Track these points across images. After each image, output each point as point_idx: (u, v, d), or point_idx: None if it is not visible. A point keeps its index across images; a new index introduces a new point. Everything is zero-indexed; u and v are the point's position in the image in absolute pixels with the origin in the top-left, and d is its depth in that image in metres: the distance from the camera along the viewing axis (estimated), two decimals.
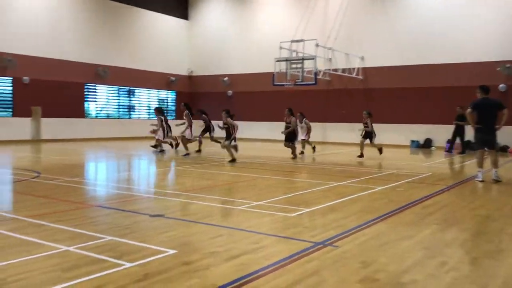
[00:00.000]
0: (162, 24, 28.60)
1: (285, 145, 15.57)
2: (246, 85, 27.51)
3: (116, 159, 15.54)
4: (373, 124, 15.61)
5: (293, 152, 15.24)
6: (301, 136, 16.56)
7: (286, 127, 15.43)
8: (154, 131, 16.70)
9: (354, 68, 23.52)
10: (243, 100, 27.45)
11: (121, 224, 5.85)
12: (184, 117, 16.23)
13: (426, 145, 21.99)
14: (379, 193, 8.54)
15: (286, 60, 19.99)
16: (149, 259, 4.38)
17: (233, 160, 13.47)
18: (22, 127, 21.83)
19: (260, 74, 25.92)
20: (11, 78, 21.65)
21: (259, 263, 4.35)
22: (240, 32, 28.09)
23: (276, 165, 13.21)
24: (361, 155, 15.39)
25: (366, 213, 6.68)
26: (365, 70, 23.70)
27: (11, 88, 21.81)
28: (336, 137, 24.20)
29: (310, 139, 17.05)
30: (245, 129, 26.75)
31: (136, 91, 27.81)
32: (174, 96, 29.80)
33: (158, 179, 11.16)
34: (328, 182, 9.70)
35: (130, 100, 27.67)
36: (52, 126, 22.74)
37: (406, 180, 10.26)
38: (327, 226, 5.85)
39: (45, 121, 22.56)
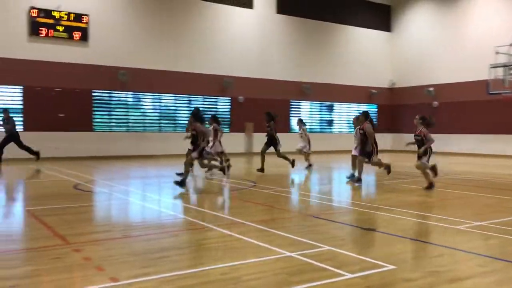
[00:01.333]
0: (365, 38, 28.74)
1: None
2: (454, 94, 25.66)
3: (319, 172, 16.06)
4: None
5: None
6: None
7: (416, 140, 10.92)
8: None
9: None
10: (450, 111, 25.65)
11: (337, 235, 6.03)
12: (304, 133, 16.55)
13: None
14: None
15: (504, 66, 18.04)
16: (369, 271, 4.41)
17: (222, 170, 12.11)
18: (237, 141, 24.30)
19: (471, 82, 23.91)
20: (229, 98, 24.37)
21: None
22: (447, 40, 26.40)
23: (490, 182, 11.94)
24: None
25: None
26: None
27: (229, 107, 24.54)
28: None
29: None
30: (452, 142, 25.11)
31: (335, 105, 28.43)
32: (375, 109, 29.50)
33: (363, 192, 11.16)
34: None
35: (330, 114, 28.41)
36: (262, 140, 24.70)
37: None
38: None
39: (256, 135, 24.68)
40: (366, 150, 11.18)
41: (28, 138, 17.79)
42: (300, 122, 16.80)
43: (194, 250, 5.20)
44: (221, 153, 14.65)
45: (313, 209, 8.40)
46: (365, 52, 28.63)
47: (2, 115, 16.36)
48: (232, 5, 24.34)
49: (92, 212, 7.90)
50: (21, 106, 19.41)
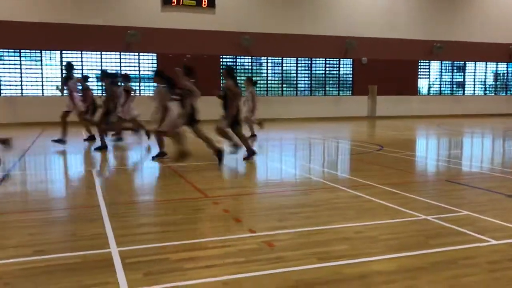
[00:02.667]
0: None
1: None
2: None
3: (448, 136, 15.10)
4: None
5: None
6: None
7: None
8: None
9: None
10: None
11: (476, 200, 5.69)
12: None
13: None
14: None
15: None
16: None
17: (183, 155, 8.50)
18: (360, 104, 23.73)
19: None
20: (351, 59, 23.72)
21: None
22: None
23: None
24: None
25: None
26: None
27: (351, 69, 23.93)
28: None
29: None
30: None
31: (468, 65, 26.15)
32: None
33: (502, 159, 10.28)
34: None
35: (462, 75, 26.28)
36: (386, 103, 23.84)
37: None
38: None
39: (379, 98, 23.85)
40: (230, 114, 8.77)
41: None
42: (249, 81, 13.17)
43: (326, 208, 5.28)
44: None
45: (447, 174, 7.97)
46: (503, 5, 25.70)
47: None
48: None
49: (227, 170, 8.37)
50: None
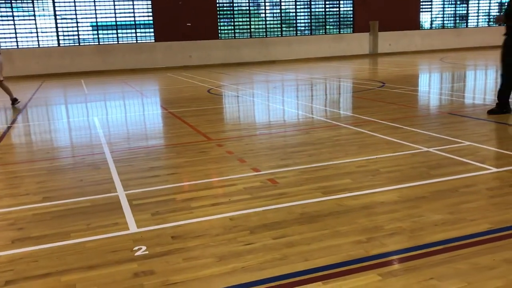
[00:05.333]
0: None
1: None
2: None
3: (451, 70, 14.93)
4: None
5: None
6: None
7: None
8: None
9: None
10: None
11: (478, 131, 5.70)
12: None
13: None
14: None
15: None
16: None
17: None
18: (361, 42, 23.32)
19: None
20: None
21: None
22: None
23: None
24: None
25: None
26: None
27: (351, 5, 23.30)
28: None
29: None
30: None
31: None
32: None
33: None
34: None
35: (466, 7, 25.59)
36: (388, 40, 23.41)
37: None
38: None
39: (381, 34, 23.39)
40: None
41: (160, 47, 18.97)
42: None
43: (328, 145, 5.32)
44: None
45: (450, 107, 7.95)
46: None
47: None
48: None
49: (228, 113, 8.37)
50: (151, 20, 20.53)
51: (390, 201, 3.46)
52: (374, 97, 9.26)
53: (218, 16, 21.48)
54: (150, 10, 20.38)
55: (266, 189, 3.83)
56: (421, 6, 24.29)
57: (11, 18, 19.02)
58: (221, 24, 21.65)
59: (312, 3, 22.77)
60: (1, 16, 18.96)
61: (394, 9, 23.14)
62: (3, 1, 18.84)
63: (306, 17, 22.92)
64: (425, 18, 24.79)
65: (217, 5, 21.25)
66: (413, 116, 7.06)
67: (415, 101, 8.73)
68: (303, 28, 23.03)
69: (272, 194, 3.71)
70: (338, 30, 23.38)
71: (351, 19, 23.32)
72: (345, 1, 23.10)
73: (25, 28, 19.30)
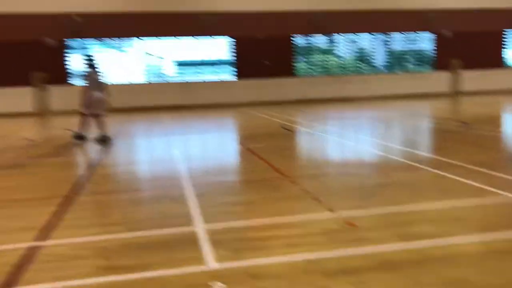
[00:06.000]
0: None
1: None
2: None
3: None
4: None
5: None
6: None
7: None
8: None
9: None
10: None
11: None
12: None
13: None
14: None
15: None
16: None
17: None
18: (441, 80, 22.63)
19: None
20: (432, 33, 22.62)
21: None
22: None
23: None
24: None
25: None
26: None
27: (431, 43, 22.81)
28: None
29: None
30: None
31: None
32: None
33: None
34: None
35: None
36: (470, 78, 22.54)
37: None
38: None
39: (462, 73, 22.58)
40: None
41: (240, 85, 19.65)
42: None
43: (408, 188, 5.16)
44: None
45: None
46: None
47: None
48: None
49: (303, 150, 8.39)
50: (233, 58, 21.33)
51: (476, 252, 3.27)
52: (456, 137, 8.89)
53: (293, 55, 21.89)
54: (232, 49, 21.24)
55: (343, 232, 3.77)
56: (503, 43, 23.24)
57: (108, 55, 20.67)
58: (297, 61, 22.02)
59: (391, 40, 22.60)
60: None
61: (476, 47, 22.33)
62: (103, 39, 20.50)
63: (384, 55, 22.73)
64: (509, 56, 23.66)
65: (292, 44, 21.68)
66: (499, 159, 6.67)
67: (501, 143, 8.27)
68: (380, 66, 22.84)
69: (349, 237, 3.64)
70: (417, 68, 22.93)
71: (431, 57, 22.77)
72: (424, 39, 22.67)
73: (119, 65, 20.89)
